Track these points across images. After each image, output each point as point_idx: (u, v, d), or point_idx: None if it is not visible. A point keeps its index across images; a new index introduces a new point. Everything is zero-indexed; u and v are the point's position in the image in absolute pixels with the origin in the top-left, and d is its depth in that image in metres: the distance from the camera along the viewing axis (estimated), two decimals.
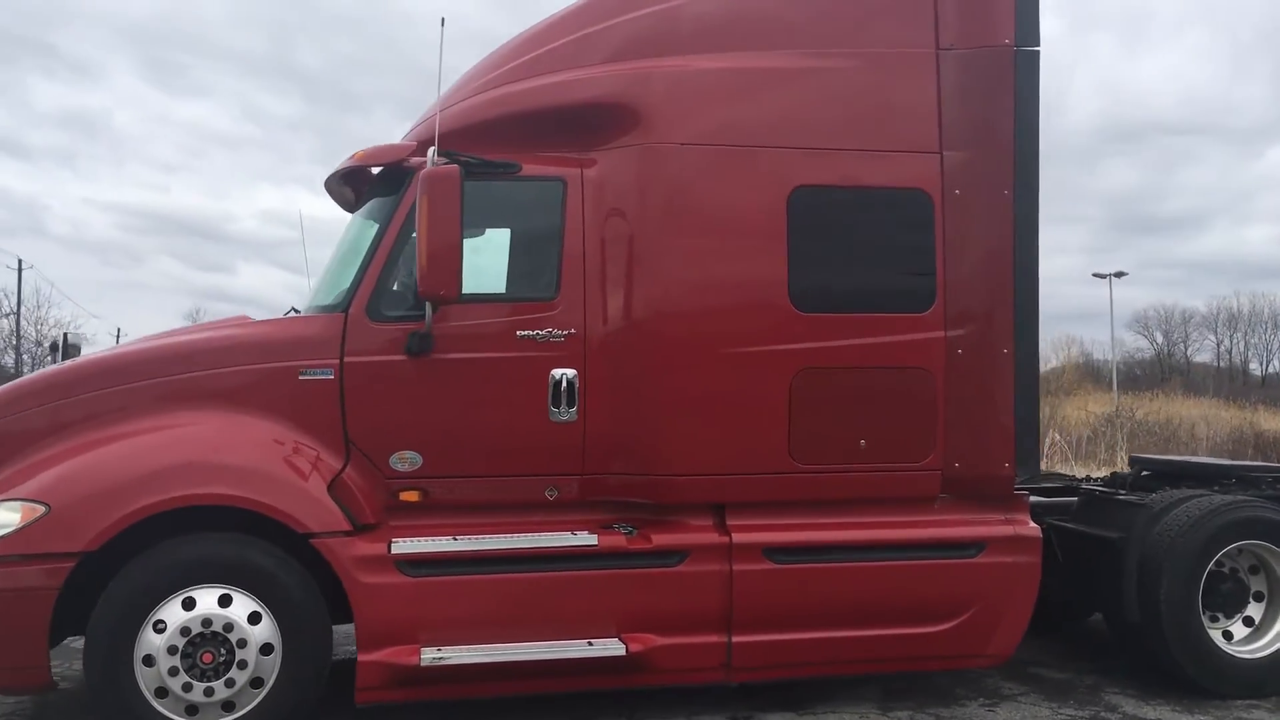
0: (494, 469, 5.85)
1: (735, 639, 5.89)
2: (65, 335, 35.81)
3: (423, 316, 5.67)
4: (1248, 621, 6.71)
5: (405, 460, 5.73)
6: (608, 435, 5.86)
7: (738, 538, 5.92)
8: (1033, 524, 6.31)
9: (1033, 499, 7.17)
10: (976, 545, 6.19)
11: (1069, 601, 7.27)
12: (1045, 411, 29.52)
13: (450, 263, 5.33)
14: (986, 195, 6.23)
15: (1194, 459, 7.92)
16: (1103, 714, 6.17)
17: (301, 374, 5.64)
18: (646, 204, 5.92)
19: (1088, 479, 8.37)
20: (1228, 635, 6.67)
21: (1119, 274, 48.69)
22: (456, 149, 5.82)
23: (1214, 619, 6.68)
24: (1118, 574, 6.44)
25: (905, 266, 6.22)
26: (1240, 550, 6.65)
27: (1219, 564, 6.68)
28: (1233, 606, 6.67)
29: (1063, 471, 10.73)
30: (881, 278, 6.22)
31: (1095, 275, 49.47)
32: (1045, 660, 7.34)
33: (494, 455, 5.83)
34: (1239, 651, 6.53)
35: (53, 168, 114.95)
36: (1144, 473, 8.15)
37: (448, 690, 5.62)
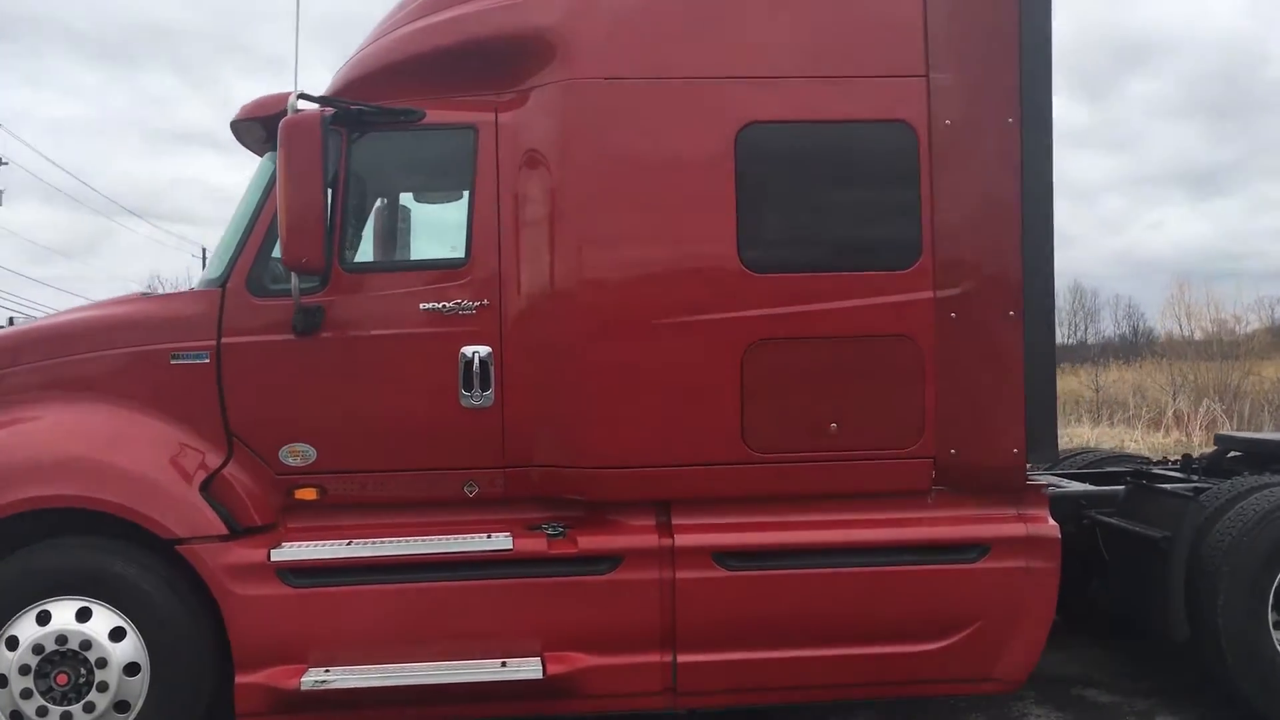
0: (400, 463, 5.20)
1: (681, 659, 5.11)
2: None
3: (316, 289, 5.07)
4: None
5: (297, 454, 5.14)
6: (530, 422, 5.15)
7: (681, 540, 5.13)
8: (1051, 522, 5.31)
9: (1075, 488, 6.21)
10: (978, 547, 5.25)
11: (1117, 615, 6.22)
12: (1233, 379, 27.50)
13: (312, 225, 4.70)
14: (985, 125, 5.25)
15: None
16: None
17: (173, 358, 5.10)
18: (569, 151, 5.16)
19: (1163, 462, 7.21)
20: None
21: None
22: (365, 97, 5.20)
23: None
24: (1162, 581, 5.38)
25: (883, 215, 5.32)
26: None
27: None
28: None
29: (1139, 453, 9.40)
30: (853, 229, 5.33)
31: None
32: (1097, 677, 6.32)
33: (399, 447, 5.18)
34: None
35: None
36: (1230, 454, 6.98)
37: (340, 717, 5.02)
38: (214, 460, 5.06)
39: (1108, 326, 59.13)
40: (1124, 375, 37.28)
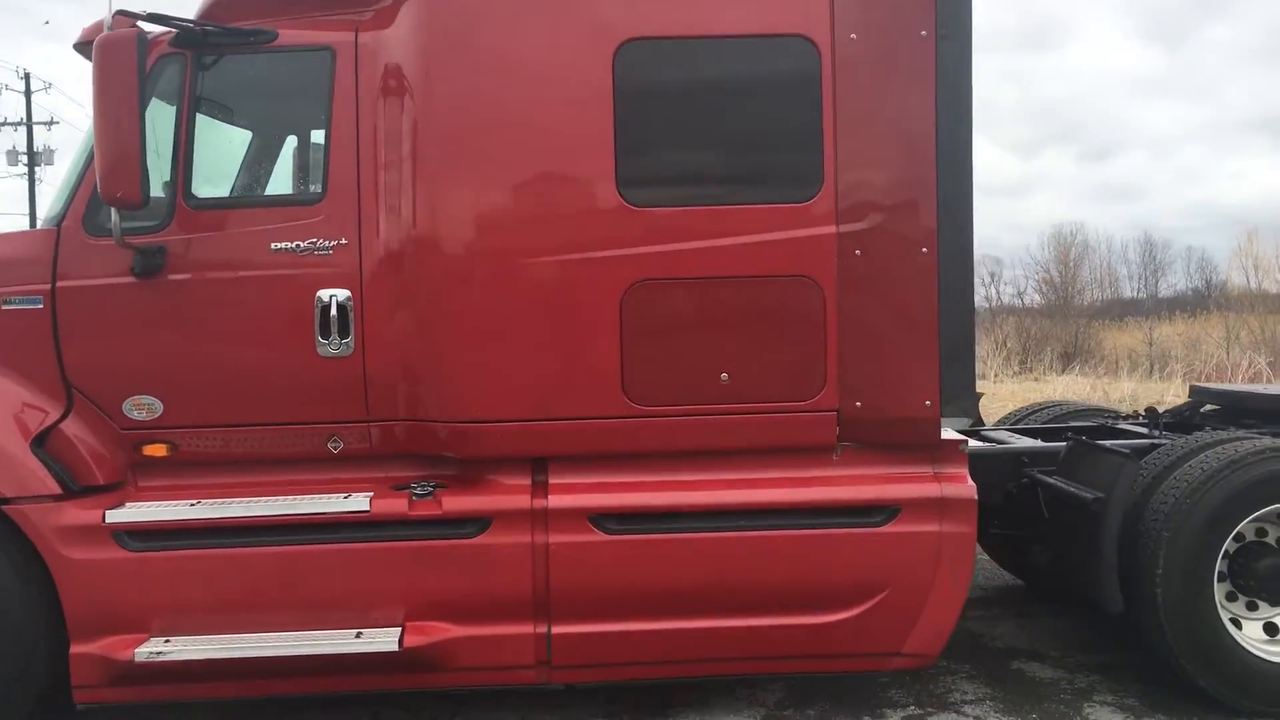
0: (255, 417, 4.86)
1: (555, 630, 4.77)
2: None
3: (157, 228, 4.74)
4: None
5: (143, 407, 4.82)
6: (395, 372, 4.79)
7: (556, 501, 4.77)
8: (969, 482, 4.87)
9: (1021, 444, 5.76)
10: (886, 509, 4.83)
11: (1058, 583, 5.78)
12: None
13: (129, 155, 4.34)
14: (895, 39, 4.76)
15: (1262, 389, 6.17)
16: None
17: (4, 303, 4.79)
18: (430, 74, 4.74)
19: (1133, 416, 6.69)
20: (1272, 629, 5.06)
21: None
22: (221, 19, 4.82)
23: (1252, 606, 5.09)
24: (1095, 547, 4.92)
25: (780, 142, 4.85)
26: None
27: (1260, 534, 5.08)
28: (1279, 590, 5.04)
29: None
30: (746, 158, 4.88)
31: None
32: (1045, 650, 5.88)
33: (252, 400, 4.84)
34: (1276, 653, 4.93)
35: None
36: (1204, 407, 6.45)
37: (182, 690, 4.77)
38: (51, 414, 4.76)
39: (1180, 280, 57.86)
40: (1179, 329, 36.37)
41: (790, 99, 4.79)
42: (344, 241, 4.76)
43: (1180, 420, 6.37)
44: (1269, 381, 22.05)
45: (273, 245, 4.75)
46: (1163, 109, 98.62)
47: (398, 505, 4.75)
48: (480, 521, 4.76)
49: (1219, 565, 4.94)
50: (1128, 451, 4.98)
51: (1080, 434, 6.22)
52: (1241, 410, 6.11)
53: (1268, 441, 4.98)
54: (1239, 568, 5.04)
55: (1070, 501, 5.05)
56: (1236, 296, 40.30)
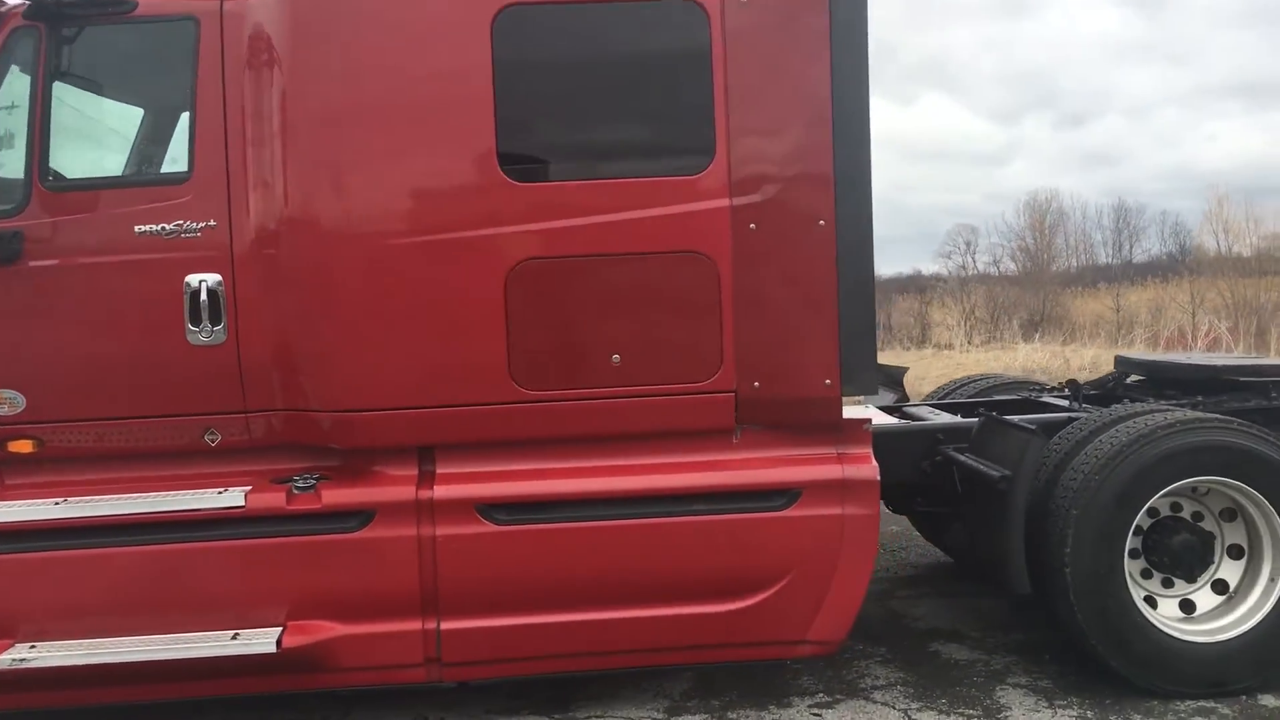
0: (125, 409, 4.66)
1: (445, 626, 4.61)
2: None
3: (12, 212, 4.51)
4: (1219, 587, 4.98)
5: (4, 402, 4.61)
6: (271, 360, 4.59)
7: (442, 491, 4.59)
8: (871, 462, 4.72)
9: (937, 420, 5.63)
10: (787, 492, 4.68)
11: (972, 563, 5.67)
12: (1256, 295, 26.21)
13: None
14: (788, 4, 4.58)
15: (1184, 358, 6.06)
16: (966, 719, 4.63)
17: None
18: (299, 45, 4.52)
19: (1058, 388, 6.56)
20: (1189, 606, 4.97)
21: None
22: None
23: (1168, 583, 4.98)
24: (1002, 527, 4.79)
25: (668, 111, 4.68)
26: (1208, 490, 4.90)
27: (1175, 509, 4.97)
28: (1194, 567, 4.93)
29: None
30: (633, 129, 4.72)
31: None
32: (967, 631, 5.78)
33: (120, 392, 4.63)
34: (1192, 631, 4.83)
35: None
36: (1130, 378, 6.34)
37: (54, 697, 4.58)
38: None
39: (1154, 245, 58.15)
40: (1145, 294, 36.50)
41: (679, 67, 4.61)
42: (213, 223, 4.54)
43: (1105, 392, 6.26)
44: (1228, 347, 22.10)
45: (137, 228, 4.53)
46: (1140, 73, 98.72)
47: (275, 500, 4.56)
48: (363, 515, 4.58)
49: (1131, 543, 4.83)
50: (1034, 428, 4.84)
51: (1005, 408, 6.13)
52: (1164, 380, 6.00)
53: (1179, 414, 4.86)
54: (1153, 544, 4.93)
55: (979, 479, 4.92)
56: (1206, 261, 40.49)
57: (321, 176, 4.53)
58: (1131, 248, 60.80)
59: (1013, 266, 51.25)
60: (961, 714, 4.70)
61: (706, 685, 5.10)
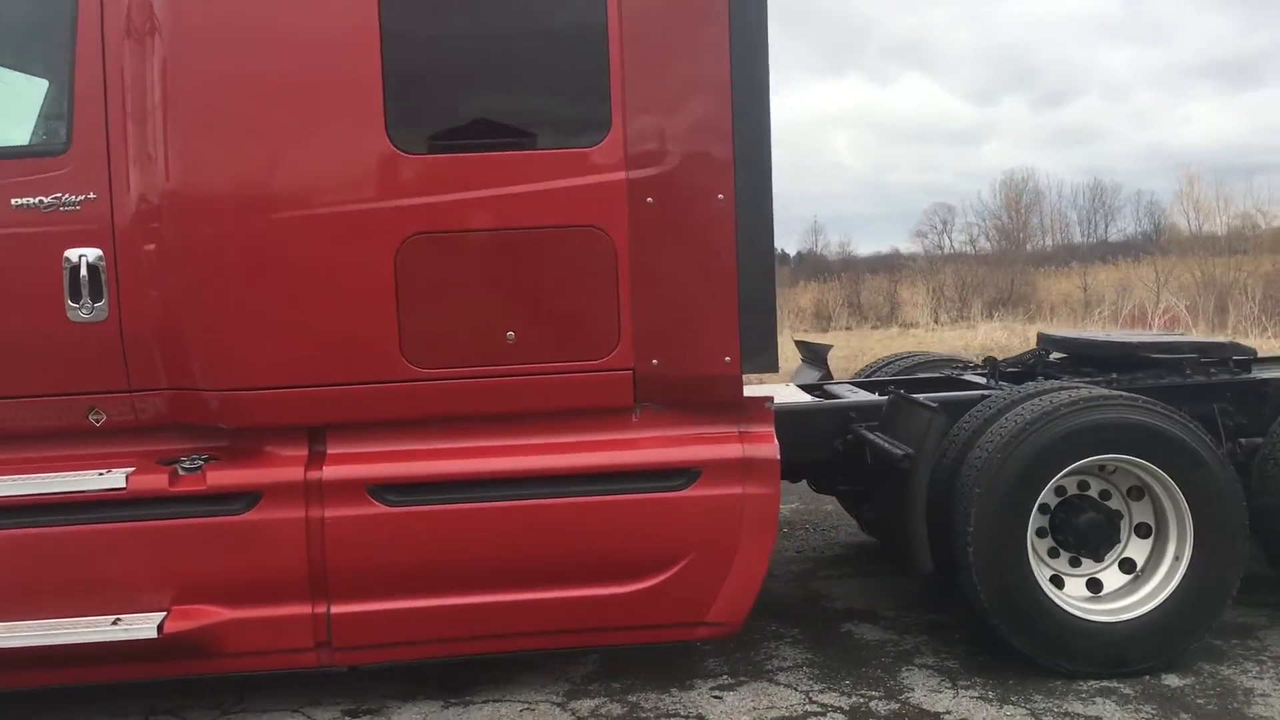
0: (2, 388, 4.53)
1: (335, 610, 4.52)
2: None
3: None
4: (1126, 565, 4.96)
5: None
6: (155, 337, 4.48)
7: (331, 472, 4.50)
8: (772, 442, 4.66)
9: (850, 399, 5.58)
10: (686, 472, 4.61)
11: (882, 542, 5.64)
12: (1221, 274, 26.25)
13: None
14: None
15: (1103, 335, 6.02)
16: (873, 703, 4.58)
17: None
18: (180, 12, 4.39)
19: (985, 365, 6.52)
20: (1096, 585, 4.94)
21: None
22: None
23: (1075, 562, 4.96)
24: (904, 505, 4.76)
25: (564, 82, 4.57)
26: (1116, 469, 4.87)
27: (1082, 487, 4.95)
28: (1100, 546, 4.91)
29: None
30: (527, 99, 4.61)
31: None
32: (883, 611, 5.75)
33: None
34: (1096, 611, 4.81)
35: None
36: (1052, 356, 6.31)
37: None
38: None
39: (1129, 224, 58.60)
40: (1114, 274, 36.72)
41: (574, 37, 4.51)
42: (92, 196, 4.41)
43: (1026, 369, 6.24)
44: (1187, 326, 22.23)
45: (14, 201, 4.40)
46: (1117, 53, 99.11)
47: (157, 481, 4.45)
48: (249, 496, 4.48)
49: (1039, 521, 4.82)
50: (935, 406, 4.79)
51: (924, 386, 6.09)
52: (1083, 358, 5.97)
53: (1083, 392, 4.83)
54: (1060, 523, 4.91)
55: (884, 458, 4.87)
56: (1175, 240, 40.80)
57: (204, 148, 4.40)
58: (1107, 227, 61.36)
59: (988, 246, 51.63)
60: (863, 695, 4.66)
61: (610, 668, 5.05)
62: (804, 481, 6.43)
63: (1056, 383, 5.18)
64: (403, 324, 4.45)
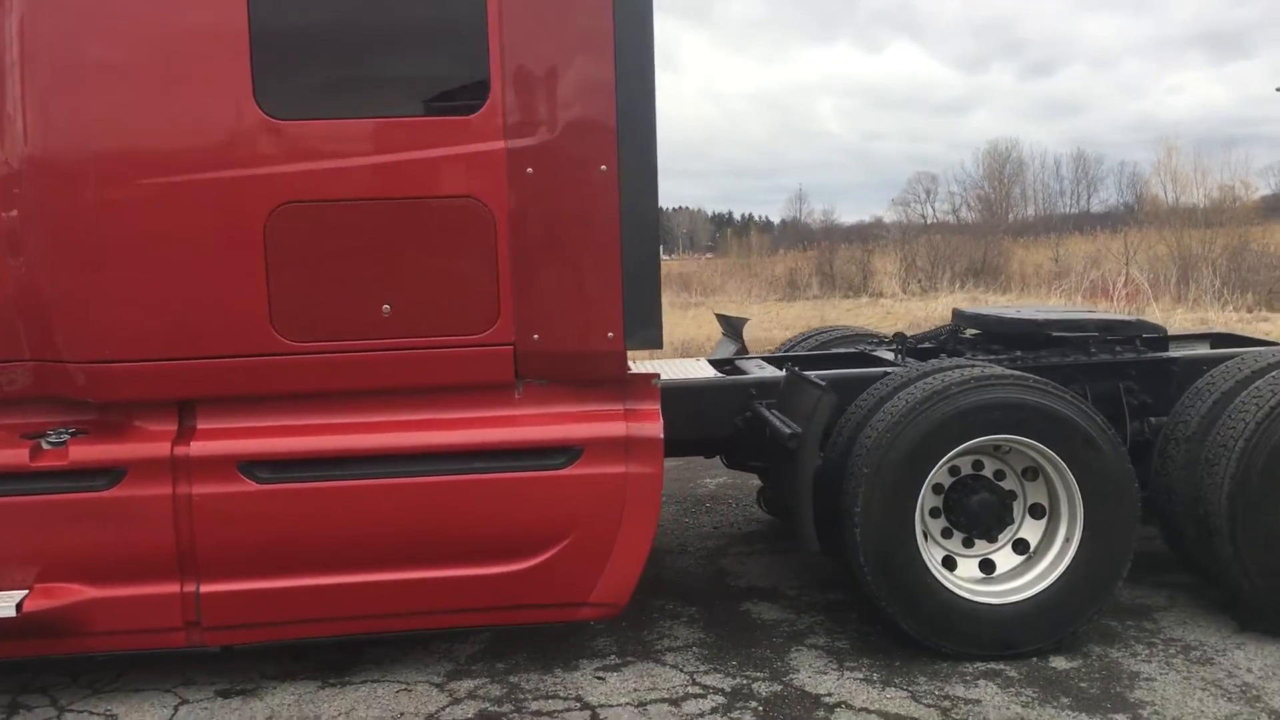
0: None
1: (205, 589, 4.43)
2: None
3: None
4: (1020, 546, 4.91)
5: None
6: (16, 308, 4.34)
7: (200, 448, 4.39)
8: (656, 420, 4.58)
9: (753, 375, 5.50)
10: (568, 450, 4.53)
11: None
12: (1189, 245, 26.11)
13: None
14: None
15: (1012, 312, 5.94)
16: (755, 684, 4.53)
17: None
18: None
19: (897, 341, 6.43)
20: (989, 566, 4.90)
21: None
22: None
23: (968, 543, 4.91)
24: (792, 485, 4.70)
25: (438, 44, 4.45)
26: (1010, 449, 4.82)
27: (977, 467, 4.89)
28: (992, 526, 4.87)
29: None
30: (401, 63, 4.48)
31: None
32: (786, 589, 5.70)
33: None
34: (985, 592, 4.77)
35: None
36: (967, 333, 6.24)
37: None
38: None
39: (1111, 195, 58.83)
40: (1087, 245, 36.78)
41: (451, 1, 4.37)
42: None
43: (938, 345, 6.17)
44: (1150, 299, 22.28)
45: None
46: (1105, 22, 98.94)
47: (18, 456, 4.33)
48: (113, 472, 4.37)
49: (932, 501, 4.79)
50: (823, 385, 4.72)
51: (834, 362, 6.03)
52: (994, 335, 5.90)
53: (975, 371, 4.75)
54: (953, 503, 4.86)
55: (776, 436, 4.80)
56: (1154, 212, 40.95)
57: (64, 110, 4.25)
58: (1089, 198, 61.57)
59: (970, 216, 51.82)
60: (747, 676, 4.61)
61: (499, 648, 4.98)
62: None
63: (954, 361, 5.12)
64: (273, 296, 4.33)
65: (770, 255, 45.49)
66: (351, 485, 4.44)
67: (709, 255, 57.31)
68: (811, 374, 5.03)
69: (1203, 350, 5.95)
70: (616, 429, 4.54)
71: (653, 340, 4.61)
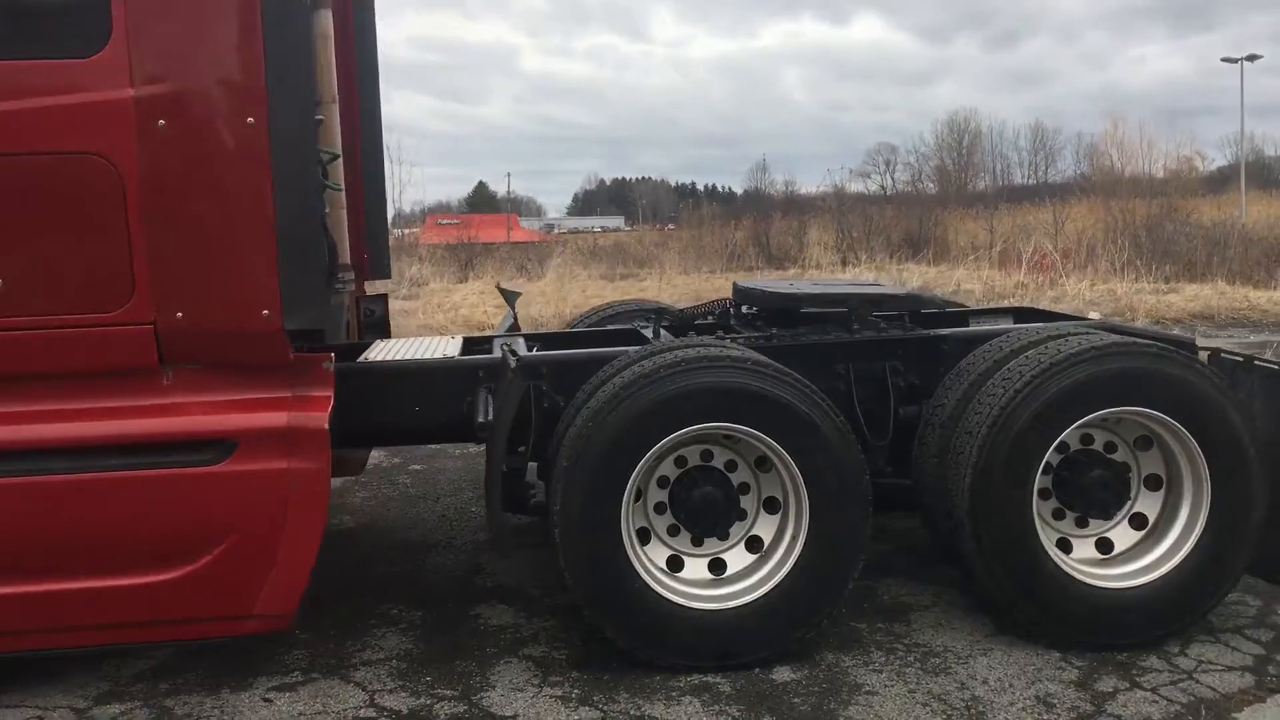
0: None
1: None
2: None
3: None
4: (754, 544, 4.48)
5: None
6: None
7: None
8: (325, 409, 4.08)
9: (479, 358, 5.03)
10: (221, 444, 4.03)
11: None
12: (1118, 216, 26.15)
13: None
14: None
15: (781, 285, 5.49)
16: (438, 705, 4.07)
17: None
18: None
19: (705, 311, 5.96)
20: (718, 566, 4.46)
21: (1251, 57, 45.21)
22: None
23: (697, 542, 4.48)
24: (487, 475, 4.24)
25: None
26: (740, 438, 4.36)
27: (705, 457, 4.45)
28: (717, 522, 4.41)
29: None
30: None
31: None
32: (531, 588, 5.26)
33: None
34: (705, 598, 4.33)
35: None
36: (748, 309, 5.78)
37: None
38: None
39: (1069, 166, 58.99)
40: (1023, 216, 36.72)
41: None
42: None
43: (719, 321, 5.71)
44: (1058, 270, 22.04)
45: None
46: None
47: None
48: None
49: (657, 495, 4.38)
50: (514, 367, 4.24)
51: (607, 338, 5.58)
52: (773, 312, 5.43)
53: (689, 353, 4.28)
54: (676, 498, 4.41)
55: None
56: (1103, 183, 41.11)
57: None
58: (1047, 169, 61.73)
59: (929, 187, 51.83)
60: (434, 695, 4.15)
61: (176, 664, 4.49)
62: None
63: (683, 340, 4.66)
64: None
65: (722, 226, 45.12)
66: None
67: (670, 226, 56.65)
68: (545, 354, 4.56)
69: (986, 327, 5.53)
70: (276, 419, 4.04)
71: (317, 319, 4.11)
